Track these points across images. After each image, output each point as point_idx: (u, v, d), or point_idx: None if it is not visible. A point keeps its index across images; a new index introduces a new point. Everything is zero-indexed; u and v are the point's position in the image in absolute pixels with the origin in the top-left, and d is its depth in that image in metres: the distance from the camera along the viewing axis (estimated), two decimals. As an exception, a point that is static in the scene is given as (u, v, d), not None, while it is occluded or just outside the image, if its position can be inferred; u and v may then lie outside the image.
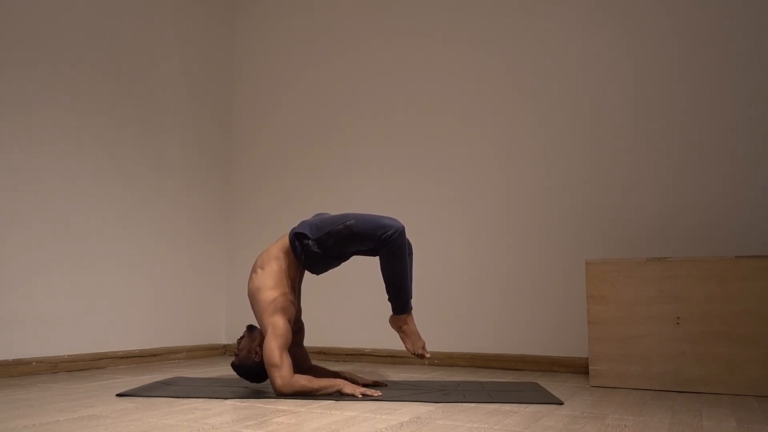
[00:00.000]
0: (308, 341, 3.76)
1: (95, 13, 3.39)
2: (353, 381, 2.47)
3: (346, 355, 3.63)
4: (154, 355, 3.51)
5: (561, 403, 2.13)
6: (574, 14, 3.31)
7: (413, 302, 3.43)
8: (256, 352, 2.30)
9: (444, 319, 3.43)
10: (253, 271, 2.46)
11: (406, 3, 3.77)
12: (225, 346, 4.04)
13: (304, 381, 2.22)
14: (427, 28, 3.68)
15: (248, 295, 2.44)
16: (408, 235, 3.51)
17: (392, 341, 3.49)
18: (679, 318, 2.51)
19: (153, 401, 2.14)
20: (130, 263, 3.47)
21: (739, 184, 2.88)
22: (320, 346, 3.66)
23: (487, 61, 3.49)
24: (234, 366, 2.34)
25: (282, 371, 2.19)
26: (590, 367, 2.62)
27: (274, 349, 2.20)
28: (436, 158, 3.56)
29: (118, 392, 2.32)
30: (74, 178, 3.22)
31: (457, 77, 3.56)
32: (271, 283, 2.38)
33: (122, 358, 3.33)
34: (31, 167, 3.03)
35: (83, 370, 3.11)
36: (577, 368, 3.04)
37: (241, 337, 2.36)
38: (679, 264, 2.54)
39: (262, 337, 2.30)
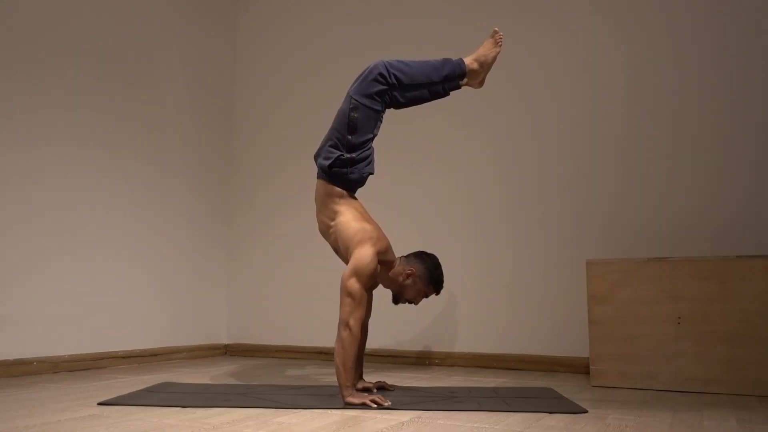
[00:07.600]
0: (311, 341, 3.76)
1: (97, 13, 3.39)
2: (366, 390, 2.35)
3: (347, 355, 3.62)
4: (155, 355, 3.51)
5: (585, 411, 1.98)
6: (574, 16, 3.31)
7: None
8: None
9: (444, 319, 3.43)
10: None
11: (408, 5, 3.77)
12: (226, 346, 4.04)
13: (346, 362, 2.08)
14: (428, 30, 3.68)
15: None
16: (409, 235, 3.51)
17: (394, 342, 3.49)
18: (680, 318, 2.51)
19: (154, 401, 2.14)
20: (130, 263, 3.47)
21: (740, 184, 2.88)
22: (321, 346, 3.66)
23: (488, 61, 3.48)
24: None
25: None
26: (591, 367, 2.62)
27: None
28: (436, 159, 3.56)
29: (99, 401, 2.13)
30: (75, 177, 3.22)
31: (457, 77, 3.55)
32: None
33: (123, 358, 3.33)
34: (31, 166, 3.03)
35: (84, 369, 3.11)
36: (578, 368, 3.04)
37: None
38: (679, 264, 2.54)
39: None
